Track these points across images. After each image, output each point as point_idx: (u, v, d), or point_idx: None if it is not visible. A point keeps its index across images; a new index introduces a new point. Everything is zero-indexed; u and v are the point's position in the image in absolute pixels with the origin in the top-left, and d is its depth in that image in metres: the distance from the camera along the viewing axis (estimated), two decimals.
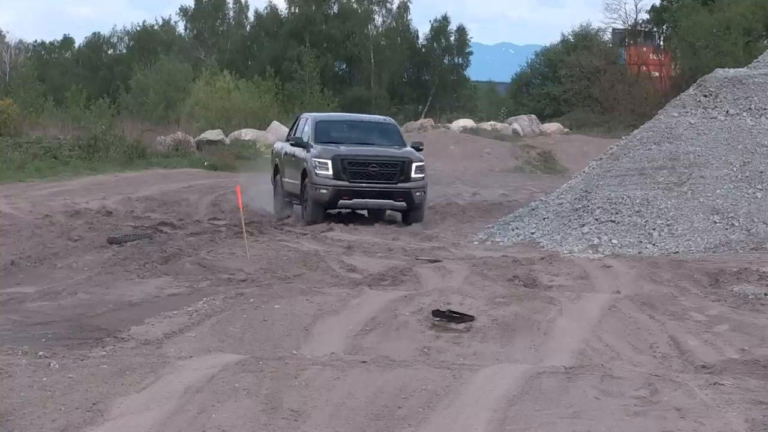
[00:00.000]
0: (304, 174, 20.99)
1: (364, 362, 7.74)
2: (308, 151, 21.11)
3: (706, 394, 6.95)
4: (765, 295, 12.12)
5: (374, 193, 20.68)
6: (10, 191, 25.19)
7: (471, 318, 9.83)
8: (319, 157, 20.80)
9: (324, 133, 21.78)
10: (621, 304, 10.49)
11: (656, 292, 12.15)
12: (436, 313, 9.89)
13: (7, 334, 10.70)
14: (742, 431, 6.28)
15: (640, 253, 16.94)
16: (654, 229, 17.85)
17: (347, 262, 16.09)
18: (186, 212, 22.71)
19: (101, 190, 25.94)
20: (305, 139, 21.64)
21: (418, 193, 20.81)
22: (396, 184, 20.70)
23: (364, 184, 20.66)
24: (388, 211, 21.61)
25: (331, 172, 20.59)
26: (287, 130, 43.17)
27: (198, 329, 9.78)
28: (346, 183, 20.60)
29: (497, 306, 10.28)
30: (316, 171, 20.63)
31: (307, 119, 22.64)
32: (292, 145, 22.10)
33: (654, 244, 17.45)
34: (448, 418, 6.51)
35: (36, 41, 74.72)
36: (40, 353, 8.30)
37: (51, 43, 75.92)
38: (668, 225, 17.91)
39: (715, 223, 17.82)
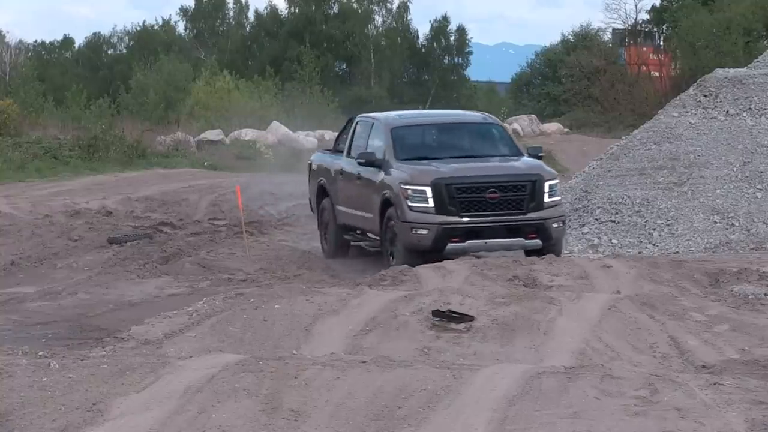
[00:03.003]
0: (386, 206, 15.14)
1: (364, 362, 7.74)
2: (388, 173, 15.24)
3: (706, 394, 6.95)
4: (765, 295, 12.12)
5: (497, 230, 14.85)
6: (10, 191, 25.18)
7: (471, 318, 9.83)
8: (411, 183, 14.82)
9: (406, 145, 15.85)
10: (621, 304, 10.49)
11: (656, 292, 12.15)
12: (436, 313, 9.89)
13: (7, 334, 10.72)
14: (742, 431, 6.28)
15: (640, 253, 16.94)
16: (654, 229, 17.86)
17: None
18: (186, 212, 22.71)
19: (101, 190, 25.93)
20: (379, 155, 15.59)
21: (555, 225, 15.05)
22: (525, 213, 14.89)
23: (481, 218, 14.84)
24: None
25: (431, 203, 14.69)
26: (287, 130, 43.50)
27: (198, 329, 9.78)
28: (455, 218, 14.71)
29: (497, 306, 10.28)
30: (409, 203, 14.71)
31: (372, 124, 16.41)
32: (358, 163, 15.85)
33: (654, 244, 17.45)
34: (448, 418, 6.51)
35: (36, 41, 74.73)
36: (40, 353, 8.30)
37: (51, 43, 75.90)
38: (668, 225, 17.92)
39: (715, 223, 17.83)
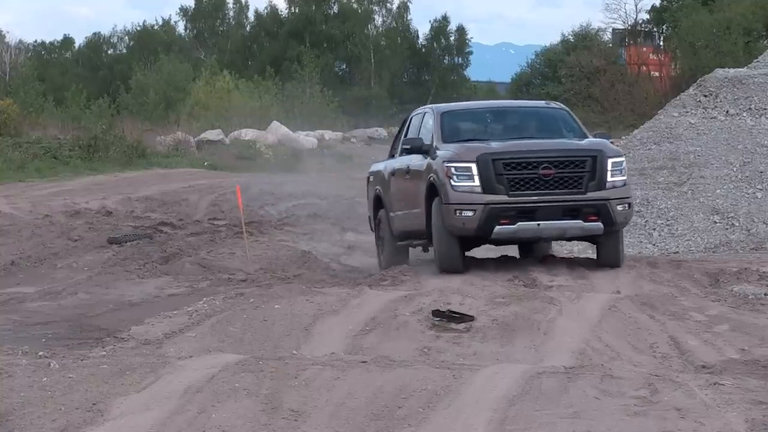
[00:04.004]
0: (432, 191, 13.59)
1: (364, 362, 7.74)
2: (434, 157, 13.71)
3: (706, 394, 6.95)
4: (765, 295, 12.12)
5: (552, 211, 13.21)
6: (10, 191, 25.18)
7: (471, 318, 9.83)
8: (455, 160, 13.32)
9: (455, 129, 14.42)
10: (621, 304, 10.49)
11: (656, 292, 12.15)
12: (436, 313, 9.89)
13: (7, 334, 10.71)
14: (742, 431, 6.28)
15: (640, 253, 16.94)
16: (654, 229, 17.87)
17: (347, 262, 16.12)
18: (186, 212, 22.71)
19: (101, 190, 25.93)
20: (427, 141, 14.13)
21: (620, 207, 13.37)
22: (585, 192, 13.27)
23: (533, 197, 13.20)
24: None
25: (477, 181, 13.14)
26: (287, 130, 43.53)
27: (198, 329, 9.78)
28: (504, 197, 13.12)
29: (497, 306, 10.28)
30: (453, 183, 13.19)
31: (424, 114, 14.97)
32: (403, 149, 14.63)
33: (654, 244, 17.46)
34: (448, 418, 6.51)
35: (36, 41, 74.82)
36: (40, 353, 8.31)
37: (51, 43, 75.98)
38: (668, 225, 17.92)
39: (715, 223, 17.83)
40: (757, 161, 19.05)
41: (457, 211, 13.13)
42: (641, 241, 17.58)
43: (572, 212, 13.24)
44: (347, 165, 37.57)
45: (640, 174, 19.23)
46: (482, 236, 13.36)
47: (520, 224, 13.13)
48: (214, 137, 40.80)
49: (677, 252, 16.96)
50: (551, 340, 9.37)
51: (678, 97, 22.13)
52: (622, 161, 13.63)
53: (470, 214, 13.09)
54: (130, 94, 56.12)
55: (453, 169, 13.20)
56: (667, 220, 17.99)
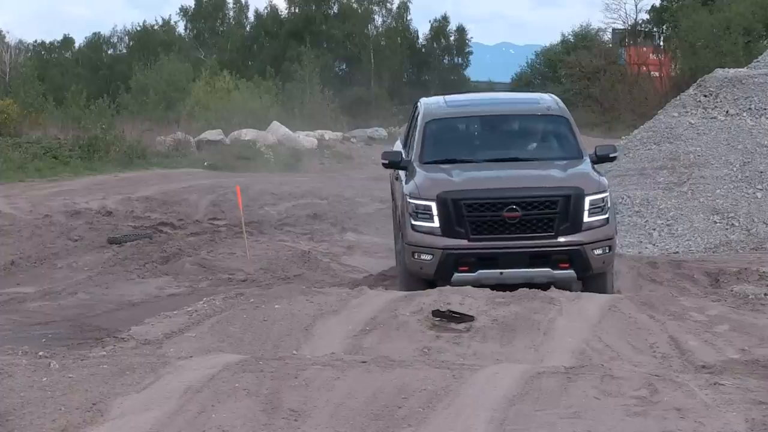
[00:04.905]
0: (399, 223, 12.67)
1: (364, 362, 7.75)
2: (408, 182, 12.50)
3: (706, 394, 6.95)
4: (765, 295, 12.13)
5: (516, 258, 11.93)
6: (10, 191, 25.18)
7: (471, 318, 9.83)
8: (416, 197, 12.11)
9: (437, 143, 13.09)
10: (621, 304, 10.49)
11: (656, 292, 12.15)
12: (436, 313, 9.89)
13: (7, 334, 10.71)
14: (742, 431, 6.28)
15: (640, 253, 16.94)
16: (654, 229, 17.87)
17: (347, 262, 16.12)
18: (186, 212, 22.71)
19: (101, 190, 25.93)
20: (407, 155, 13.15)
21: (597, 251, 11.95)
22: (555, 237, 11.88)
23: (496, 243, 11.93)
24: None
25: (437, 222, 11.94)
26: (287, 130, 43.53)
27: (198, 329, 9.78)
28: (464, 242, 11.90)
29: (497, 306, 10.27)
30: (413, 221, 12.05)
31: (417, 111, 13.80)
32: (383, 164, 13.21)
33: (654, 244, 17.46)
34: (448, 418, 6.51)
35: (36, 41, 74.81)
36: (40, 353, 8.31)
37: (51, 43, 75.98)
38: (668, 225, 17.92)
39: (715, 223, 17.83)
40: (757, 161, 19.05)
41: (415, 254, 12.01)
42: (641, 241, 17.58)
43: (540, 259, 11.88)
44: (347, 165, 37.60)
45: (640, 174, 19.24)
46: (443, 279, 11.91)
47: (481, 272, 11.89)
48: (214, 137, 40.77)
49: (677, 252, 16.96)
50: (551, 340, 9.37)
51: (678, 97, 22.14)
52: (604, 197, 12.01)
53: (428, 258, 11.94)
54: (130, 94, 56.09)
55: (413, 207, 12.04)
56: (667, 220, 17.99)
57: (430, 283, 11.91)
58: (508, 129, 13.64)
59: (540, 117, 13.64)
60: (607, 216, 12.01)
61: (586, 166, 12.56)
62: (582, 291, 12.01)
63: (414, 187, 12.17)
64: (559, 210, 11.81)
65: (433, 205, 11.89)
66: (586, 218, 11.85)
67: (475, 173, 12.42)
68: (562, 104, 13.61)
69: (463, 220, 11.83)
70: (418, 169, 12.52)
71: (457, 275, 11.86)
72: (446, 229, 11.85)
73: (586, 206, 11.86)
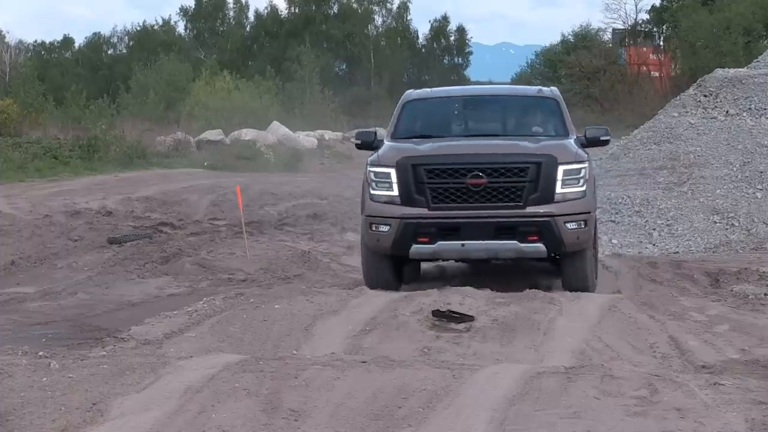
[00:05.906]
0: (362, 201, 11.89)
1: (364, 362, 7.75)
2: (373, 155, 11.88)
3: (706, 394, 6.95)
4: (765, 295, 12.13)
5: (479, 228, 11.10)
6: (10, 191, 25.17)
7: (471, 318, 9.83)
8: (376, 164, 11.53)
9: (413, 122, 12.56)
10: (621, 304, 10.49)
11: (656, 292, 12.15)
12: (436, 313, 9.89)
13: (7, 334, 10.70)
14: (742, 431, 6.28)
15: (640, 253, 16.94)
16: (654, 229, 17.87)
17: (347, 262, 16.10)
18: (186, 212, 22.71)
19: (101, 190, 25.92)
20: (381, 135, 12.54)
21: (570, 225, 11.12)
22: (524, 207, 11.09)
23: (457, 212, 11.14)
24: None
25: (396, 191, 11.25)
26: (287, 130, 43.53)
27: (198, 329, 9.78)
28: (423, 211, 11.17)
29: (497, 306, 10.27)
30: (371, 191, 11.43)
31: (401, 100, 13.19)
32: (356, 145, 12.60)
33: (654, 244, 17.46)
34: (448, 418, 6.51)
35: (36, 41, 74.92)
36: (40, 353, 8.31)
37: (51, 43, 76.07)
38: (668, 225, 17.92)
39: (715, 223, 17.84)
40: (757, 161, 19.06)
41: (373, 225, 11.27)
42: (641, 241, 17.58)
43: (506, 231, 11.03)
44: (347, 165, 37.59)
45: (640, 174, 19.24)
46: (400, 253, 11.32)
47: (441, 243, 11.12)
48: (214, 137, 40.79)
49: (677, 252, 16.96)
50: (551, 340, 9.37)
51: (678, 97, 22.15)
52: (581, 168, 11.18)
53: (385, 229, 11.19)
54: (130, 94, 56.12)
55: (372, 175, 11.38)
56: (667, 220, 18.00)
57: (395, 265, 11.44)
58: (491, 109, 12.91)
59: (528, 98, 13.11)
60: (583, 188, 11.21)
61: (567, 141, 11.80)
62: (559, 279, 11.60)
63: (375, 157, 11.60)
64: (529, 178, 11.02)
65: (393, 171, 11.24)
66: (558, 189, 11.07)
67: (444, 143, 11.80)
68: (557, 91, 12.92)
69: (423, 187, 11.11)
70: (386, 142, 12.00)
71: (415, 247, 11.19)
72: (405, 198, 11.15)
73: (559, 176, 11.07)
